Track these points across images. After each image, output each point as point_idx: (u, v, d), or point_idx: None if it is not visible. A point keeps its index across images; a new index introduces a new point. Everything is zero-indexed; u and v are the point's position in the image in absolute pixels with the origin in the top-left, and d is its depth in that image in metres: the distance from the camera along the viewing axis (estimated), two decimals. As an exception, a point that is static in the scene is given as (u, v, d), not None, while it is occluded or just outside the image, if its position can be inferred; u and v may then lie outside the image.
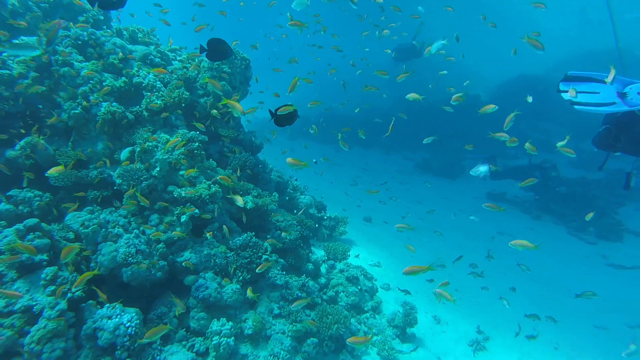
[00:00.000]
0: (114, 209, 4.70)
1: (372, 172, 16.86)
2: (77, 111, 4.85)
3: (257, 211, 5.69)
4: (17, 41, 5.06)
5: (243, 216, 5.19)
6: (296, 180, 11.35)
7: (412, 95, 5.66)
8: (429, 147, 19.91)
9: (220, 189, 4.96)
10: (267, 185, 7.03)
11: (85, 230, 4.18)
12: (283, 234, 5.81)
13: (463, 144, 18.66)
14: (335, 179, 14.42)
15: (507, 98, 19.55)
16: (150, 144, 4.67)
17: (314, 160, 7.58)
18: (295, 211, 7.29)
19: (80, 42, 5.38)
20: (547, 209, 13.34)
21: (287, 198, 7.54)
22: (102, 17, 6.06)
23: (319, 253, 7.19)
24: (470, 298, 7.25)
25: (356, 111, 12.38)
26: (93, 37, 5.40)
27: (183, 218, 4.59)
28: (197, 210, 4.66)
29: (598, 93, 3.24)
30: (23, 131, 4.89)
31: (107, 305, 3.76)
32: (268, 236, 5.79)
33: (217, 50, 3.97)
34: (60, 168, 3.77)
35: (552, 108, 19.18)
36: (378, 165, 18.18)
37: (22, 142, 4.67)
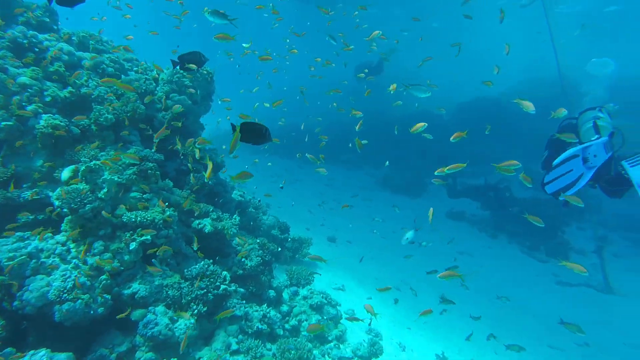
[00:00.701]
0: (50, 235, 4.15)
1: (336, 189, 16.78)
2: (9, 123, 4.28)
3: (216, 235, 5.31)
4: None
5: (195, 243, 4.76)
6: (259, 200, 10.99)
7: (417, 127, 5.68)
8: (391, 163, 20.31)
9: (175, 213, 4.56)
10: (228, 205, 6.66)
11: (9, 263, 3.62)
12: (244, 260, 5.46)
13: (424, 161, 19.24)
14: (299, 195, 14.17)
15: (466, 117, 20.48)
16: (97, 162, 4.20)
17: (281, 187, 7.42)
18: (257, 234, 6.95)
19: (17, 45, 4.82)
20: (502, 228, 13.85)
21: (250, 219, 7.18)
22: (47, 19, 5.51)
23: (281, 277, 6.86)
24: (434, 321, 7.20)
25: (316, 130, 12.28)
26: (34, 40, 4.86)
27: (132, 245, 4.14)
28: (148, 237, 4.23)
29: (571, 170, 3.60)
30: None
31: (31, 352, 3.23)
32: (228, 262, 5.42)
33: (190, 61, 3.55)
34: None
35: (505, 130, 20.25)
36: (342, 182, 18.17)
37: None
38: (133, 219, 4.21)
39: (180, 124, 5.43)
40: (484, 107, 22.56)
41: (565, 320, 5.41)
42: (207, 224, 5.24)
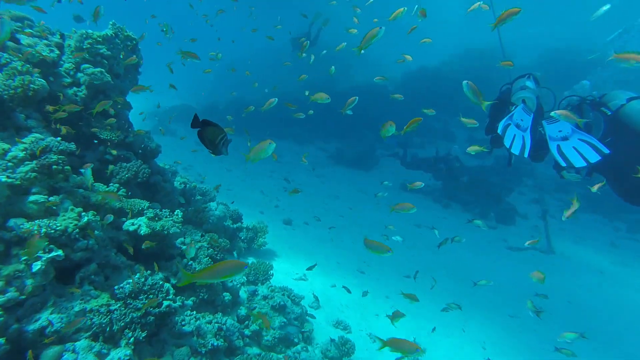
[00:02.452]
0: None
1: (286, 165, 15.98)
2: None
3: (155, 237, 4.39)
4: None
5: (129, 248, 3.86)
6: (202, 182, 9.95)
7: (318, 96, 5.14)
8: (342, 137, 19.86)
9: (97, 217, 3.58)
10: (169, 197, 5.67)
11: None
12: (191, 263, 4.63)
13: (374, 133, 19.00)
14: (249, 175, 13.24)
15: (410, 87, 20.40)
16: (-28, 159, 3.08)
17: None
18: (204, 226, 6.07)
19: None
20: (454, 197, 14.06)
21: (194, 209, 6.24)
22: None
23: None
24: (401, 303, 6.91)
25: (266, 91, 11.39)
26: None
27: (37, 265, 3.15)
28: (60, 252, 3.25)
29: (515, 136, 3.96)
30: None
31: None
32: (172, 266, 4.56)
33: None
34: None
35: (448, 99, 20.55)
36: (292, 158, 17.40)
37: None
38: (35, 231, 3.19)
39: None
40: (426, 77, 22.71)
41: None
42: (142, 225, 4.30)
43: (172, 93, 15.86)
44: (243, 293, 5.53)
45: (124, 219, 4.41)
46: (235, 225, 6.91)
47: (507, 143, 3.91)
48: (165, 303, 3.74)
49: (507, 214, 13.15)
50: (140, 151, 5.27)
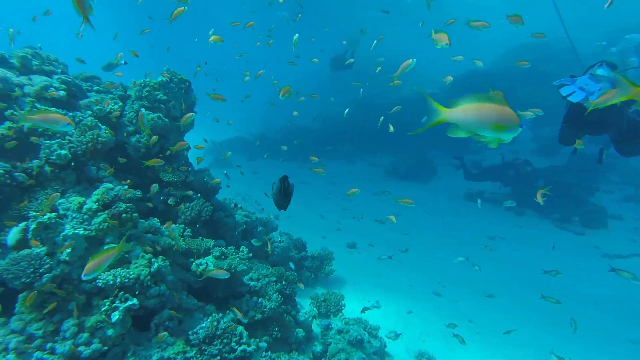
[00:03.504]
0: (2, 321, 3.15)
1: (341, 186, 15.75)
2: None
3: (222, 276, 4.29)
4: None
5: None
6: (262, 210, 9.98)
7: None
8: (395, 150, 19.35)
9: (166, 262, 3.55)
10: (232, 232, 5.65)
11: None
12: (261, 301, 4.46)
13: (429, 144, 18.24)
14: (307, 199, 13.16)
15: (460, 92, 19.41)
16: (50, 215, 3.19)
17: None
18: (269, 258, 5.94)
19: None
20: (528, 204, 12.85)
21: (258, 243, 6.15)
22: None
23: (305, 305, 5.89)
24: (488, 327, 6.19)
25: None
26: (-42, 70, 3.83)
27: (115, 316, 3.14)
28: (135, 301, 3.23)
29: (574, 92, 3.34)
30: None
31: None
32: (242, 305, 4.42)
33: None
34: None
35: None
36: (345, 177, 17.17)
37: None
38: (111, 281, 3.20)
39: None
40: (477, 79, 21.54)
41: None
42: (209, 265, 4.23)
43: (226, 126, 16.54)
44: (316, 327, 5.26)
45: (192, 259, 4.40)
46: (300, 255, 6.72)
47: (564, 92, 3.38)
48: (240, 348, 3.57)
49: (595, 216, 11.67)
50: (201, 189, 5.31)
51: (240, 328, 3.66)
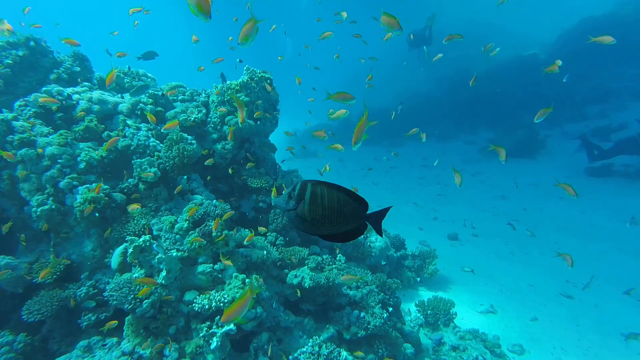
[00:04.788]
0: (115, 341, 3.19)
1: (434, 169, 14.60)
2: (45, 207, 3.43)
3: (320, 288, 3.96)
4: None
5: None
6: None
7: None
8: (494, 125, 17.31)
9: (261, 282, 3.28)
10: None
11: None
12: (363, 315, 4.03)
13: (534, 114, 15.90)
14: (397, 187, 12.42)
15: (570, 49, 16.39)
16: (145, 238, 3.11)
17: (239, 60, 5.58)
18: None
19: (46, 108, 4.01)
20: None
21: (353, 243, 5.73)
22: (78, 68, 4.71)
23: (407, 308, 5.35)
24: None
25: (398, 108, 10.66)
26: (60, 97, 4.01)
27: (214, 342, 2.97)
28: (232, 327, 3.02)
29: None
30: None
31: None
32: (343, 319, 4.04)
33: None
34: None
35: (632, 49, 15.79)
36: (438, 157, 15.88)
37: (-20, 268, 3.34)
38: (207, 306, 3.03)
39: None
40: (593, 30, 17.90)
41: None
42: (305, 277, 3.91)
43: (309, 116, 16.42)
44: (424, 337, 4.69)
45: (286, 270, 4.14)
46: (398, 254, 6.14)
47: None
48: None
49: None
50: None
51: (345, 354, 3.26)
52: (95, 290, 3.39)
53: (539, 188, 11.33)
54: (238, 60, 5.46)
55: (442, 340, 4.34)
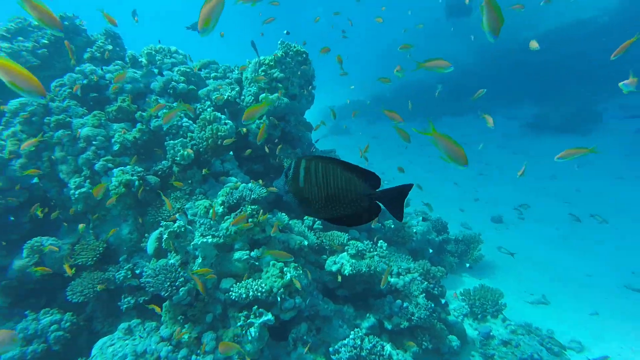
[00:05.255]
0: (155, 326, 3.16)
1: (473, 146, 13.85)
2: (83, 189, 3.39)
3: (360, 276, 3.75)
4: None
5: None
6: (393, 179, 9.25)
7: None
8: (540, 99, 16.11)
9: (299, 271, 3.10)
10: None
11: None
12: (406, 305, 3.80)
13: (588, 87, 14.53)
14: (434, 166, 11.89)
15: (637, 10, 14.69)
16: (180, 223, 2.99)
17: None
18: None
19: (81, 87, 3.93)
20: None
21: (392, 226, 5.44)
22: (110, 47, 4.59)
23: (450, 296, 5.06)
24: None
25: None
26: (93, 77, 3.91)
27: (252, 333, 2.85)
28: (270, 316, 2.88)
29: None
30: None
31: None
32: (384, 307, 3.83)
33: None
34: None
35: None
36: (477, 134, 15.04)
37: (25, 248, 3.36)
38: (244, 295, 2.90)
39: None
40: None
41: None
42: (345, 264, 3.71)
43: (342, 91, 15.93)
44: (469, 328, 4.41)
45: (324, 256, 3.95)
46: (440, 238, 5.81)
47: None
48: None
49: None
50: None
51: (389, 348, 3.06)
52: (134, 272, 3.34)
53: (592, 166, 10.46)
54: (285, 31, 5.17)
55: (491, 334, 4.04)
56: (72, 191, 3.40)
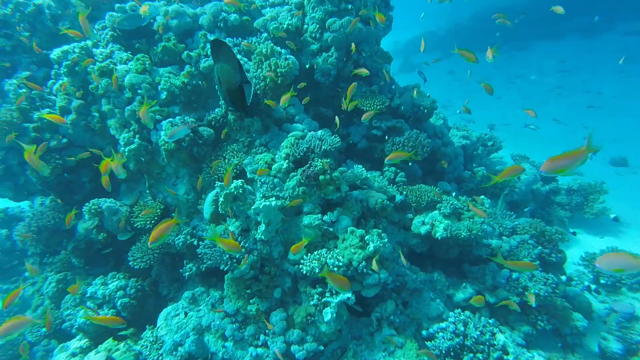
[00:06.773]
0: (218, 297, 2.82)
1: (577, 74, 11.57)
2: (132, 146, 3.01)
3: (454, 239, 3.02)
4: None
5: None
6: (473, 122, 8.11)
7: None
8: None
9: (384, 240, 2.46)
10: (452, 164, 4.19)
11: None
12: (517, 276, 3.02)
13: None
14: (526, 100, 10.15)
15: None
16: (237, 184, 2.48)
17: None
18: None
19: (123, 30, 3.45)
20: None
21: (481, 173, 4.49)
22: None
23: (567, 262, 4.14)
24: None
25: None
26: (133, 11, 3.39)
27: (328, 314, 2.34)
28: (349, 294, 2.34)
29: None
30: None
31: None
32: (486, 278, 3.11)
33: None
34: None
35: None
36: (583, 59, 12.48)
37: (84, 210, 3.15)
38: (317, 269, 2.36)
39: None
40: None
41: None
42: (437, 225, 3.00)
43: (416, 21, 14.09)
44: (594, 301, 3.54)
45: (410, 214, 3.26)
46: (547, 187, 4.76)
47: None
48: (496, 355, 2.33)
49: None
50: (411, 113, 3.91)
51: (503, 338, 2.38)
52: (190, 240, 2.98)
53: None
54: None
55: (635, 314, 3.14)
56: (121, 148, 3.05)
